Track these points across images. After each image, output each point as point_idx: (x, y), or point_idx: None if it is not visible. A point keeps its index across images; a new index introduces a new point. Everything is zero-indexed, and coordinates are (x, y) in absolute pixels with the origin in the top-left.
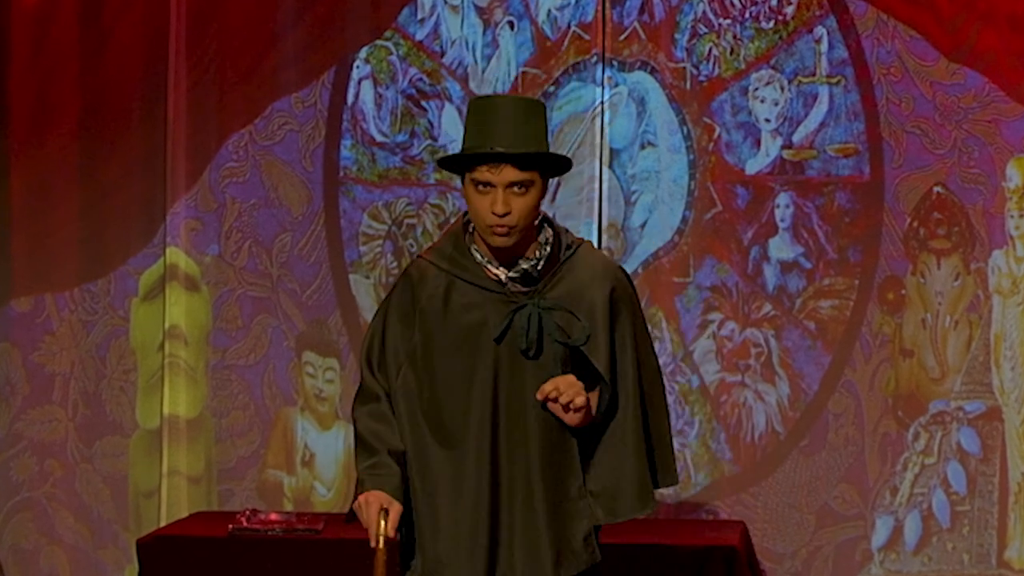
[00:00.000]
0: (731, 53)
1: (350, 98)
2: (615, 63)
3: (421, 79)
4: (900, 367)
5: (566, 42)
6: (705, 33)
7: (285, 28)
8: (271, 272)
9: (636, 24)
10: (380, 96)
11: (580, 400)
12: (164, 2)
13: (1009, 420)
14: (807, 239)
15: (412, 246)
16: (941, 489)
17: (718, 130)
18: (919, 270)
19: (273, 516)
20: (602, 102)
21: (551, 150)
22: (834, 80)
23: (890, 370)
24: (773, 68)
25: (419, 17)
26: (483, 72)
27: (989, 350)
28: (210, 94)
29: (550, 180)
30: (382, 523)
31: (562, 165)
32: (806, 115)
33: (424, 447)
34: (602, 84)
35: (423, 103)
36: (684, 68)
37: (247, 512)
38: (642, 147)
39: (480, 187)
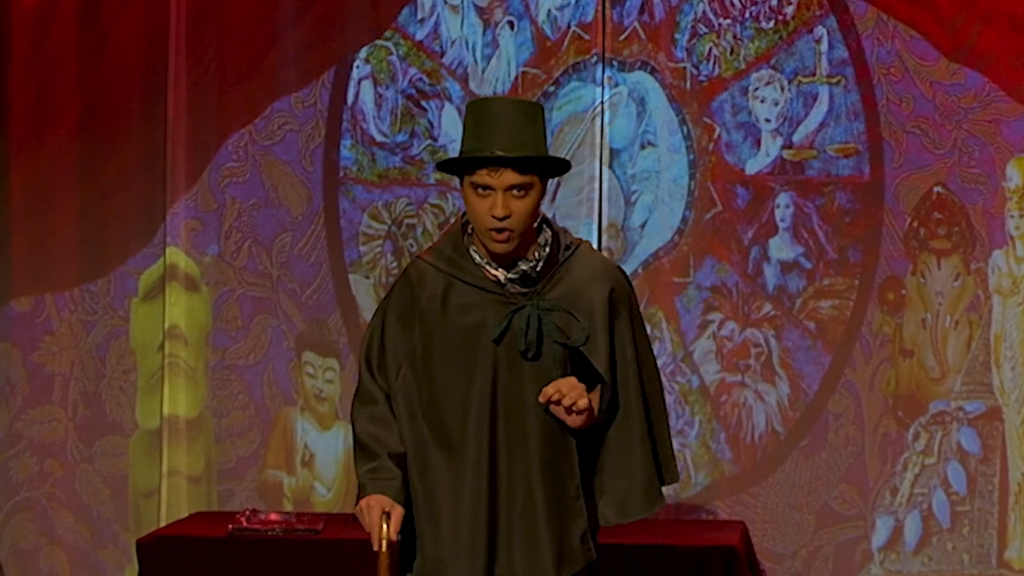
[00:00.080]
0: (731, 53)
1: (350, 98)
2: (615, 63)
3: (421, 79)
4: (900, 367)
5: (566, 42)
6: (705, 33)
7: (285, 28)
8: (271, 272)
9: (636, 24)
10: (380, 96)
11: (583, 402)
12: (164, 2)
13: (1009, 420)
14: (807, 239)
15: (412, 246)
16: (941, 489)
17: (718, 130)
18: (919, 270)
19: (273, 516)
20: (602, 102)
21: (550, 151)
22: (834, 80)
23: (890, 370)
24: (773, 68)
25: (419, 17)
26: (483, 72)
27: (989, 350)
28: (210, 94)
29: (550, 181)
30: (384, 527)
31: (561, 167)
32: (806, 115)
33: (424, 448)
34: (602, 84)
35: (423, 103)
36: (684, 68)
37: (247, 512)
38: (642, 147)
39: (479, 190)
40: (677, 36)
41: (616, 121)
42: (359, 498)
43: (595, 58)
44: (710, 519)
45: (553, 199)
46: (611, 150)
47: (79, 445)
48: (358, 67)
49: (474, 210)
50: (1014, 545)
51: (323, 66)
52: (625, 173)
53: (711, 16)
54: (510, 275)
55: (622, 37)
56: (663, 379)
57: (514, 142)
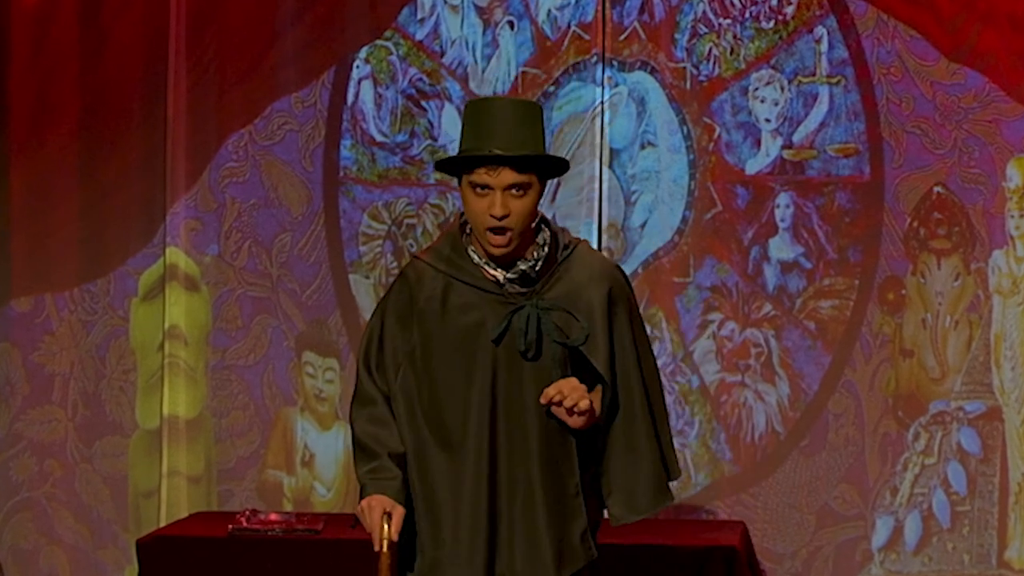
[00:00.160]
0: (731, 53)
1: (350, 98)
2: (615, 63)
3: (421, 79)
4: (900, 367)
5: (566, 42)
6: (705, 33)
7: (285, 28)
8: (271, 272)
9: (636, 24)
10: (380, 96)
11: (584, 403)
12: (164, 2)
13: (1009, 420)
14: (807, 239)
15: (412, 246)
16: (941, 489)
17: (718, 130)
18: (919, 270)
19: (273, 516)
20: (602, 102)
21: (550, 151)
22: (834, 80)
23: (890, 370)
24: (773, 68)
25: (419, 17)
26: (483, 72)
27: (989, 350)
28: (210, 94)
29: (549, 181)
30: (385, 527)
31: (560, 167)
32: (806, 115)
33: (424, 448)
34: (602, 84)
35: (423, 103)
36: (684, 68)
37: (247, 512)
38: (642, 147)
39: (478, 189)
40: (677, 36)
41: (616, 121)
42: (360, 499)
43: (595, 58)
44: (710, 519)
45: (553, 199)
46: (611, 150)
47: (79, 445)
48: (358, 67)
49: (472, 209)
50: (1014, 545)
51: (323, 66)
52: (625, 173)
53: (711, 16)
54: (509, 275)
55: (622, 37)
56: (663, 379)
57: (512, 141)
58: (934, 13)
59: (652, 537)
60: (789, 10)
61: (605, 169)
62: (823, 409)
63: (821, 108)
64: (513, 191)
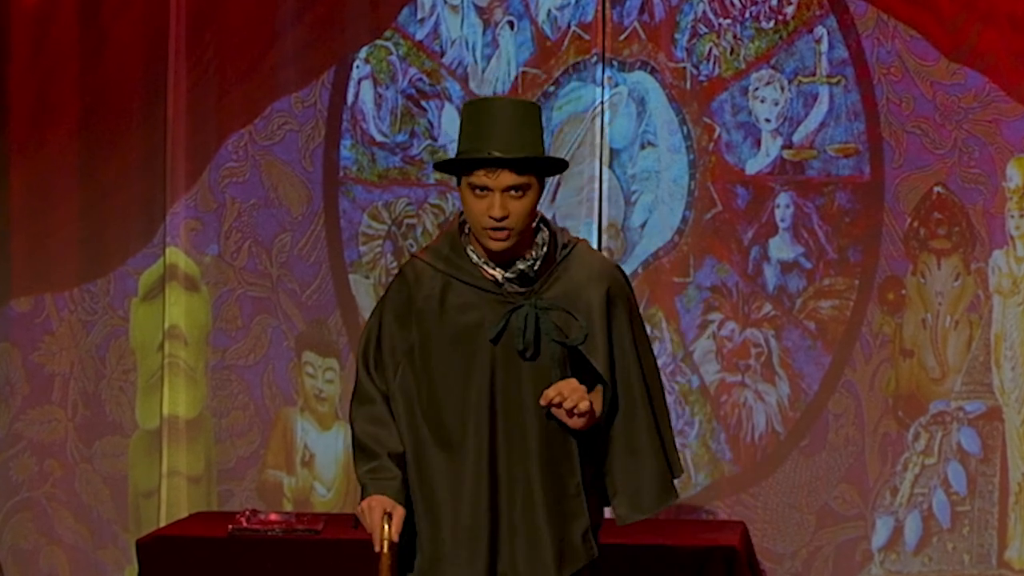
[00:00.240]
0: (731, 53)
1: (350, 98)
2: (615, 63)
3: (421, 79)
4: (900, 367)
5: (566, 42)
6: (705, 33)
7: (285, 28)
8: (271, 272)
9: (636, 24)
10: (380, 96)
11: (584, 405)
12: (164, 2)
13: (1009, 420)
14: (807, 239)
15: (412, 246)
16: (941, 489)
17: (718, 130)
18: (919, 270)
19: (273, 516)
20: (602, 102)
21: (549, 151)
22: (834, 80)
23: (890, 370)
24: (773, 68)
25: (419, 17)
26: (483, 72)
27: (989, 350)
28: (210, 94)
29: (549, 180)
30: (386, 527)
31: (559, 167)
32: (806, 115)
33: (422, 448)
34: (602, 84)
35: (423, 103)
36: (684, 68)
37: (247, 512)
38: (642, 147)
39: (477, 191)
40: (677, 36)
41: (616, 121)
42: (361, 499)
43: (595, 58)
44: (710, 519)
45: (553, 199)
46: (611, 150)
47: (79, 445)
48: (358, 67)
49: (471, 210)
50: (1014, 545)
51: (323, 66)
52: (625, 173)
53: (711, 16)
54: (508, 274)
55: (622, 37)
56: (663, 379)
57: (511, 143)
58: (934, 13)
59: (652, 537)
60: (789, 10)
61: (605, 169)
62: (823, 409)
63: (821, 108)
64: (512, 192)
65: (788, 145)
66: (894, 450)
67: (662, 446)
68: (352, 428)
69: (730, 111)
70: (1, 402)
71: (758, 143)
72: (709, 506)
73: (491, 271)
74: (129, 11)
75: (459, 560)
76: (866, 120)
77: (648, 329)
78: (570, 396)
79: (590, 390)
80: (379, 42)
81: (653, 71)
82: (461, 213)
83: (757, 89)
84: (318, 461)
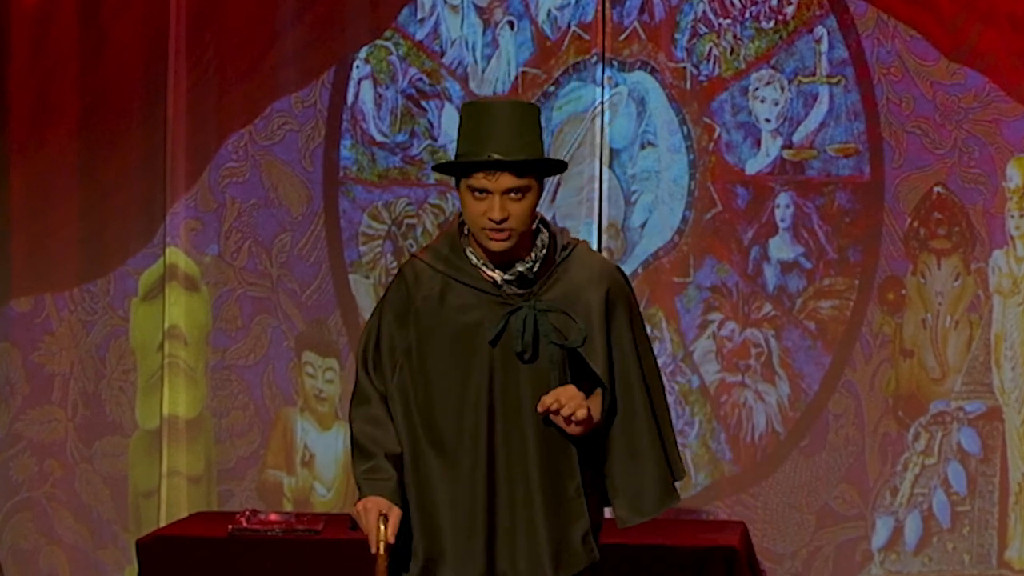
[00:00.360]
0: (731, 53)
1: (350, 98)
2: (615, 63)
3: (421, 79)
4: (900, 367)
5: (566, 42)
6: (705, 33)
7: (285, 28)
8: (271, 272)
9: (636, 24)
10: (380, 96)
11: (582, 413)
12: (164, 2)
13: (1009, 420)
14: (807, 239)
15: (412, 246)
16: (941, 489)
17: (718, 130)
18: (919, 270)
19: (273, 516)
20: (602, 102)
21: (549, 152)
22: (834, 80)
23: (890, 370)
24: (773, 68)
25: (419, 17)
26: (483, 72)
27: (989, 350)
28: (210, 94)
29: (549, 180)
30: (382, 529)
31: (558, 168)
32: (806, 115)
33: (419, 449)
34: (602, 84)
35: (423, 103)
36: (684, 68)
37: (247, 512)
38: (642, 147)
39: (476, 193)
40: (677, 36)
41: (616, 121)
42: (357, 499)
43: (595, 58)
44: (710, 519)
45: (553, 199)
46: (611, 150)
47: (79, 445)
48: (358, 67)
49: (470, 212)
50: (1014, 545)
51: (323, 66)
52: (625, 173)
53: (711, 16)
54: (507, 276)
55: (622, 37)
56: (663, 379)
57: (511, 145)
58: (934, 13)
59: (652, 537)
60: (789, 10)
61: (605, 169)
62: (823, 409)
63: (821, 108)
64: (512, 195)
65: (788, 145)
66: (894, 450)
67: (663, 448)
68: (351, 428)
69: (730, 111)
70: (1, 402)
71: (758, 143)
72: (709, 506)
73: (490, 273)
74: (129, 11)
75: (457, 560)
76: (866, 120)
77: (648, 329)
78: (567, 403)
79: (590, 392)
80: (379, 42)
81: (653, 71)
82: (460, 214)
83: (757, 89)
84: (318, 461)
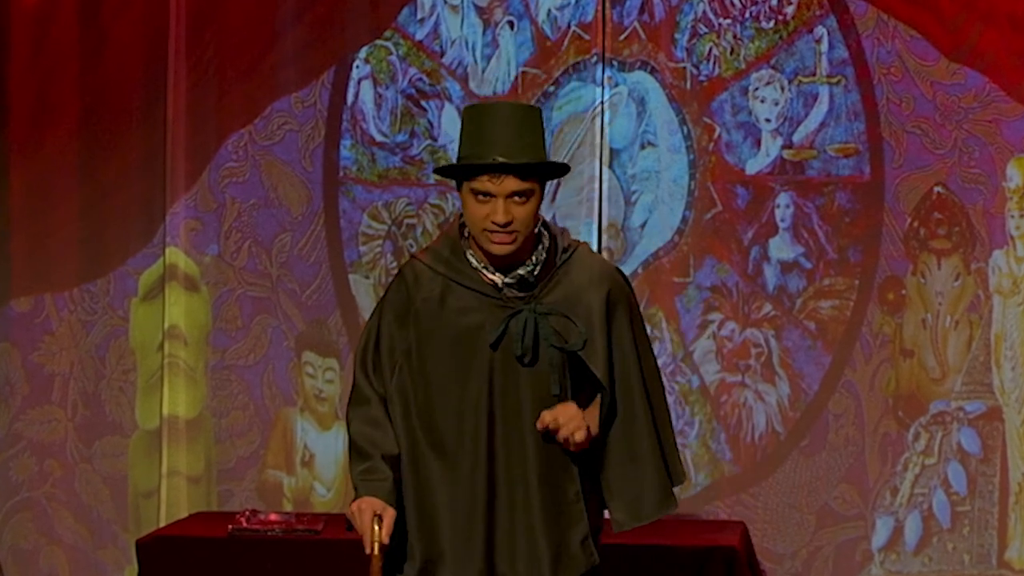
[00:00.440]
0: (731, 53)
1: (350, 98)
2: (615, 63)
3: (421, 79)
4: (900, 367)
5: (566, 42)
6: (705, 33)
7: (285, 28)
8: (271, 272)
9: (636, 24)
10: (380, 96)
11: (579, 436)
12: (164, 2)
13: (1009, 420)
14: (807, 239)
15: (412, 246)
16: (941, 489)
17: (718, 130)
18: (919, 270)
19: (273, 516)
20: (602, 102)
21: (549, 152)
22: (834, 80)
23: (890, 370)
24: (773, 68)
25: (419, 17)
26: (483, 72)
27: (989, 350)
28: (210, 94)
29: (550, 181)
30: (376, 529)
31: (562, 172)
32: (806, 115)
33: (418, 450)
34: (602, 84)
35: (423, 103)
36: (684, 68)
37: (247, 512)
38: (642, 147)
39: (480, 196)
40: (677, 36)
41: (616, 121)
42: (353, 500)
43: (595, 58)
44: (710, 519)
45: (553, 199)
46: (611, 150)
47: (79, 445)
48: (358, 67)
49: (473, 215)
50: (1014, 545)
51: (323, 66)
52: (625, 173)
53: (711, 16)
54: (507, 279)
55: (622, 37)
56: (664, 379)
57: (515, 148)
58: (934, 13)
59: (652, 537)
60: (789, 10)
61: (605, 169)
62: (823, 409)
63: (821, 108)
64: (516, 198)
65: (788, 145)
66: (894, 450)
67: (662, 452)
68: (348, 428)
69: (730, 111)
70: (1, 402)
71: (758, 143)
72: (709, 506)
73: (491, 276)
74: (129, 11)
75: (456, 562)
76: (866, 120)
77: (648, 329)
78: (566, 425)
79: (589, 396)
80: (379, 42)
81: (653, 71)
82: (461, 215)
83: (757, 89)
84: (318, 461)
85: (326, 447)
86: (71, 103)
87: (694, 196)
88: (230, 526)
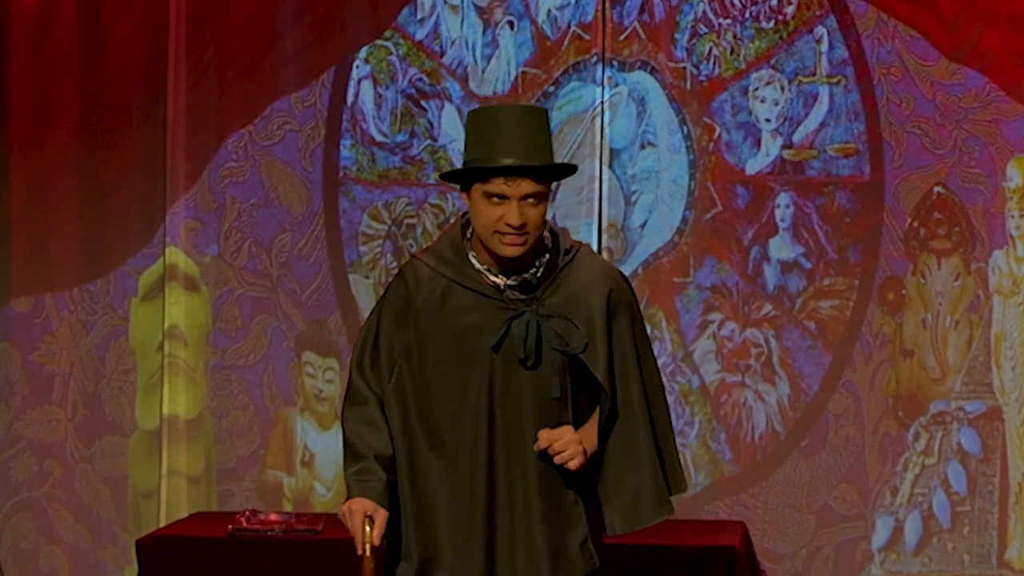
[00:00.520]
0: (731, 53)
1: (350, 98)
2: (615, 63)
3: (421, 79)
4: (900, 367)
5: (566, 42)
6: (705, 33)
7: (285, 28)
8: (271, 272)
9: (636, 24)
10: (380, 96)
11: (574, 464)
12: (164, 2)
13: (1009, 420)
14: (807, 239)
15: (412, 246)
16: (941, 489)
17: (718, 130)
18: (919, 270)
19: (273, 516)
20: (602, 102)
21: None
22: (834, 80)
23: (890, 370)
24: (773, 68)
25: (419, 17)
26: (483, 72)
27: (989, 350)
28: (210, 94)
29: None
30: (367, 531)
31: (571, 173)
32: (806, 115)
33: (417, 450)
34: (602, 84)
35: (423, 103)
36: (684, 68)
37: (247, 512)
38: (642, 147)
39: (494, 199)
40: (677, 36)
41: (616, 121)
42: (345, 501)
43: (595, 58)
44: (710, 519)
45: (553, 199)
46: (611, 150)
47: (79, 445)
48: (358, 67)
49: (485, 218)
50: (1014, 545)
51: (323, 66)
52: (625, 173)
53: (711, 16)
54: (510, 281)
55: (622, 37)
56: (663, 379)
57: (530, 151)
58: (934, 13)
59: (652, 537)
60: (789, 10)
61: (605, 169)
62: (823, 409)
63: (821, 108)
64: (530, 200)
65: (788, 145)
66: (894, 450)
67: (660, 459)
68: (342, 428)
69: (730, 111)
70: (1, 402)
71: (758, 143)
72: (709, 506)
73: (493, 278)
74: (129, 11)
75: (456, 562)
76: (866, 120)
77: (648, 329)
78: (560, 453)
79: (590, 397)
80: (379, 42)
81: (653, 71)
82: (463, 216)
83: (757, 89)
84: (318, 461)
85: (326, 447)
86: (71, 103)
87: (694, 196)
88: (230, 526)
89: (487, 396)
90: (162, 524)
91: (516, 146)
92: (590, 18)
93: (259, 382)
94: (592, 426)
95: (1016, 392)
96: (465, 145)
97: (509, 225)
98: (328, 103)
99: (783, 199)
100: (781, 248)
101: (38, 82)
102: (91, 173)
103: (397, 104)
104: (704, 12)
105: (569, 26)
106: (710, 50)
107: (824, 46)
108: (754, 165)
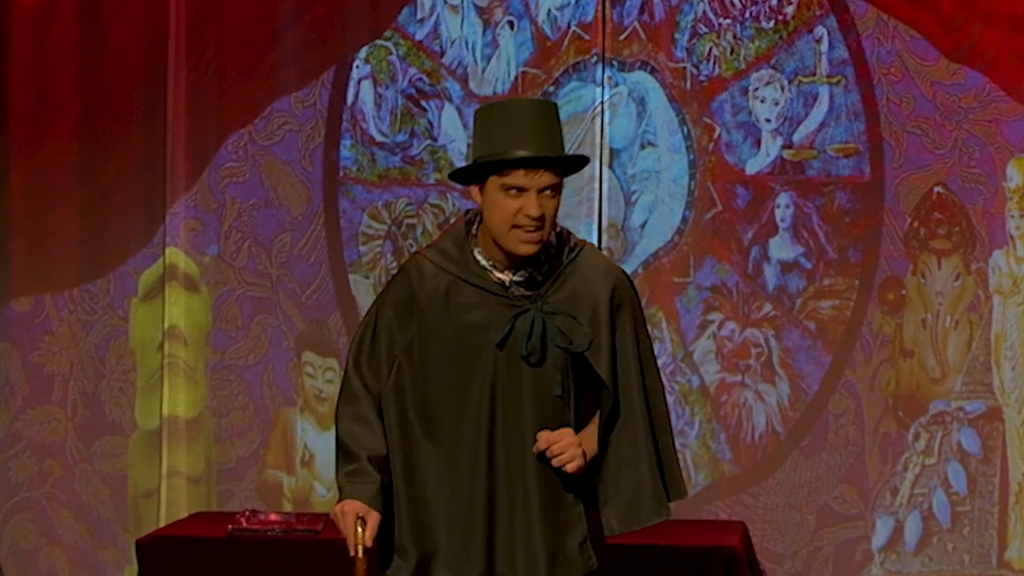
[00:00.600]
0: (731, 53)
1: (350, 98)
2: (615, 63)
3: (421, 79)
4: (900, 367)
5: (566, 42)
6: (705, 33)
7: (285, 28)
8: (271, 272)
9: (636, 24)
10: (380, 96)
11: (572, 468)
12: (164, 2)
13: (1009, 420)
14: (807, 239)
15: (412, 246)
16: (941, 489)
17: (718, 130)
18: (919, 270)
19: (273, 516)
20: (602, 102)
21: None
22: (834, 80)
23: (890, 370)
24: (773, 68)
25: (419, 17)
26: (483, 72)
27: (989, 350)
28: (210, 94)
29: None
30: (360, 532)
31: (583, 165)
32: (806, 115)
33: (414, 447)
34: (602, 84)
35: (423, 103)
36: (684, 68)
37: (247, 512)
38: (642, 147)
39: (512, 191)
40: (677, 36)
41: (616, 121)
42: (337, 502)
43: (595, 58)
44: (710, 519)
45: None
46: (611, 150)
47: (79, 445)
48: (358, 67)
49: (503, 211)
50: (1014, 545)
51: (323, 66)
52: (625, 173)
53: (711, 16)
54: (515, 278)
55: (622, 37)
56: (663, 379)
57: (547, 143)
58: (934, 13)
59: (652, 537)
60: (789, 10)
61: (605, 169)
62: (823, 409)
63: (821, 108)
64: (548, 192)
65: (788, 145)
66: (894, 450)
67: (658, 460)
68: (336, 427)
69: (730, 111)
70: (1, 402)
71: (758, 143)
72: (709, 506)
73: (498, 275)
74: (129, 11)
75: (454, 560)
76: (866, 120)
77: (648, 329)
78: (559, 456)
79: (592, 395)
80: (379, 42)
81: (653, 71)
82: (466, 212)
83: (757, 89)
84: (318, 461)
85: (326, 447)
86: (71, 103)
87: (694, 196)
88: (230, 526)
89: (489, 393)
90: (162, 524)
91: (531, 139)
92: (590, 18)
93: (259, 382)
94: (592, 430)
95: (1016, 392)
96: (474, 142)
97: (529, 217)
98: (328, 103)
99: (783, 199)
100: (781, 248)
101: (38, 82)
102: (91, 173)
103: (397, 104)
104: (704, 12)
105: (569, 26)
106: (710, 50)
107: (824, 46)
108: (754, 165)
